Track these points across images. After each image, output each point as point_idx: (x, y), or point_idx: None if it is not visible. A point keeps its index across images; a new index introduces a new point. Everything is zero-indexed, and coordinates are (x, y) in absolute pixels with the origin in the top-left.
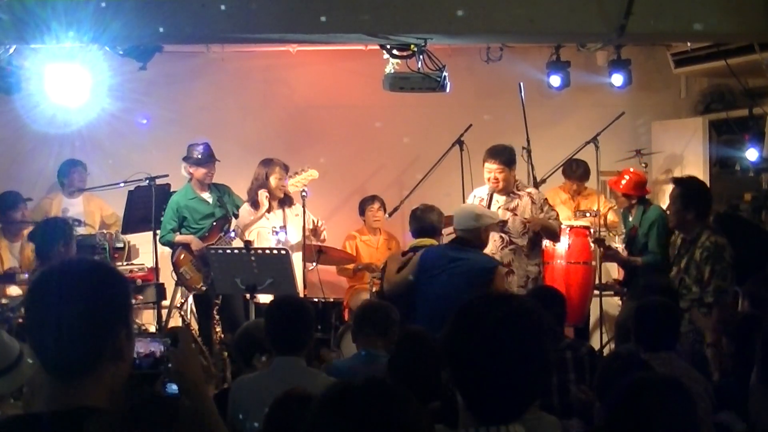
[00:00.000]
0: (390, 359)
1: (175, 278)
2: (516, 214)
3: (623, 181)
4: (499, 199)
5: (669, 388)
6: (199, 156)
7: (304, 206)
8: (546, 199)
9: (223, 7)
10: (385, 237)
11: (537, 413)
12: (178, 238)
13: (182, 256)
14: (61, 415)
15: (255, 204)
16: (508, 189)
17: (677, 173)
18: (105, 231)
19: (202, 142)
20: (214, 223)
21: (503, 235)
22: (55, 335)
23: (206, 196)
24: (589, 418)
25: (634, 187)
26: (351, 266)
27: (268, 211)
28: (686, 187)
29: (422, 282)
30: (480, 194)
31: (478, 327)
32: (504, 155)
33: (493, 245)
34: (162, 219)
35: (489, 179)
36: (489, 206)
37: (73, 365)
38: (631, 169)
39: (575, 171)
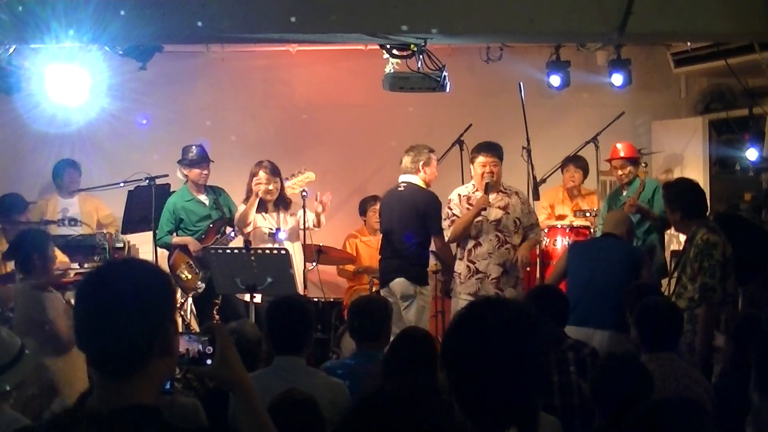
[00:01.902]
0: (385, 358)
1: (176, 285)
2: (508, 213)
3: (621, 149)
4: (489, 198)
5: (688, 413)
6: (193, 157)
7: (304, 207)
8: (528, 199)
9: (223, 7)
10: None
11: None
12: (176, 239)
13: (179, 258)
14: (117, 413)
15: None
16: (496, 186)
17: (677, 173)
18: (104, 231)
19: (196, 144)
20: (211, 225)
21: (499, 234)
22: (107, 335)
23: (203, 197)
24: (590, 417)
25: (635, 151)
26: (351, 268)
27: (265, 212)
28: (668, 189)
29: (573, 269)
30: (463, 192)
31: (475, 332)
32: (498, 150)
33: (490, 244)
34: (159, 221)
35: (483, 173)
36: (487, 187)
37: (126, 363)
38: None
39: (574, 160)
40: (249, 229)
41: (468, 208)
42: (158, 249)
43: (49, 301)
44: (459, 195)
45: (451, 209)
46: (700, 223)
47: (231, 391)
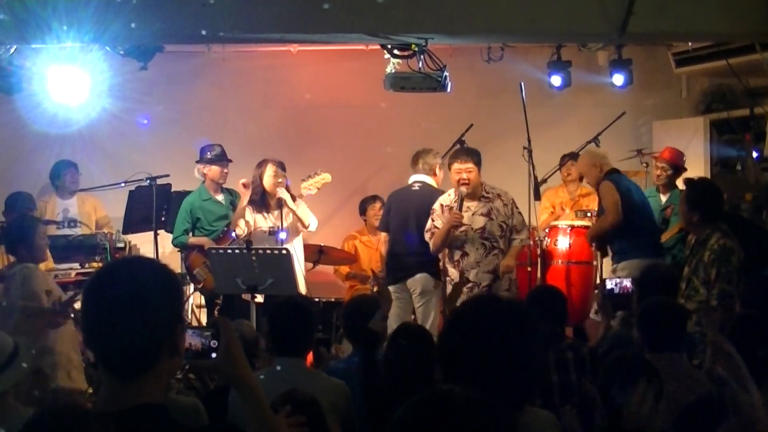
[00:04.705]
0: (385, 355)
1: (189, 281)
2: (492, 219)
3: (671, 153)
4: (470, 206)
5: None
6: (214, 155)
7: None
8: (513, 200)
9: (224, 7)
10: (386, 237)
11: (531, 409)
12: (192, 240)
13: (195, 258)
14: (126, 413)
15: (251, 203)
16: (477, 192)
17: None
18: (104, 231)
19: (213, 143)
20: (226, 228)
21: (485, 242)
22: (117, 335)
23: (220, 198)
24: (591, 415)
25: (681, 160)
26: (345, 270)
27: (267, 211)
28: (691, 188)
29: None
30: (445, 202)
31: (470, 329)
32: (475, 155)
33: (477, 254)
34: (175, 221)
35: (459, 180)
36: (460, 202)
37: (136, 364)
38: None
39: (572, 156)
40: (235, 234)
41: None
42: (159, 249)
43: (36, 276)
44: (441, 205)
45: (433, 221)
46: (715, 227)
47: (234, 386)
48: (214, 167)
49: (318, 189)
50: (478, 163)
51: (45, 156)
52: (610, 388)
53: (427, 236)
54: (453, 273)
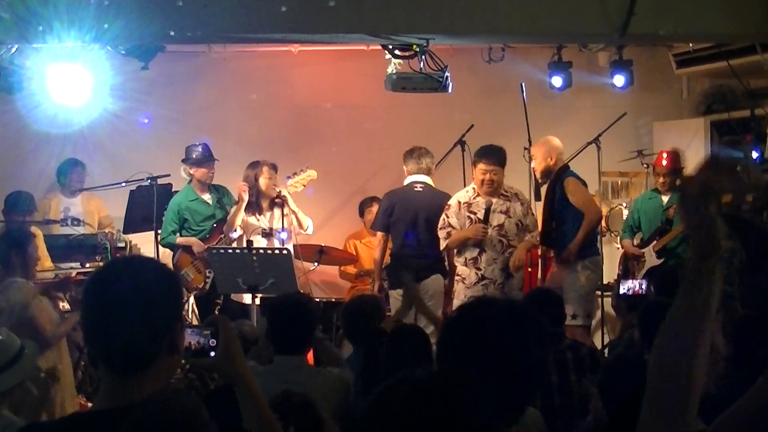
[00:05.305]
0: (383, 354)
1: None
2: (510, 217)
3: (666, 158)
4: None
5: None
6: (199, 156)
7: (282, 205)
8: (528, 200)
9: (225, 7)
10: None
11: None
12: (180, 240)
13: (183, 258)
14: (125, 410)
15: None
16: (499, 191)
17: None
18: (105, 231)
19: (200, 142)
20: (215, 225)
21: (502, 239)
22: (116, 333)
23: (207, 197)
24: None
25: (679, 161)
26: (353, 270)
27: (260, 213)
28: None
29: None
30: (462, 199)
31: (469, 330)
32: (499, 156)
33: (494, 250)
34: (163, 221)
35: (483, 181)
36: (487, 213)
37: (135, 361)
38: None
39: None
40: (236, 234)
41: (468, 216)
42: (160, 248)
43: (28, 291)
44: (459, 202)
45: (448, 217)
46: None
47: (232, 384)
48: (201, 169)
49: (304, 186)
50: (501, 163)
51: (45, 156)
52: (610, 388)
53: (441, 234)
54: (464, 271)
